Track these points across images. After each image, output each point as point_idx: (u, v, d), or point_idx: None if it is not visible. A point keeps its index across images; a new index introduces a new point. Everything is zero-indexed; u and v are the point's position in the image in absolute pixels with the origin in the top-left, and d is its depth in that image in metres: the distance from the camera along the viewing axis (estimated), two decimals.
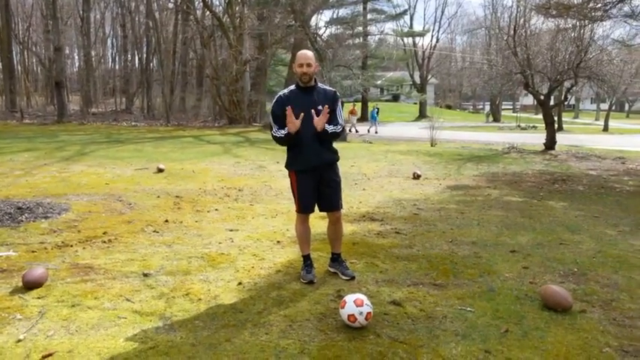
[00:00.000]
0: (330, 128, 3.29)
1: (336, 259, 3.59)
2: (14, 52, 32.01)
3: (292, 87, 3.40)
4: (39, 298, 3.05)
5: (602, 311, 3.00)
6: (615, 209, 6.09)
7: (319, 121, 3.21)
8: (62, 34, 24.71)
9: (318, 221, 4.54)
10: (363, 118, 31.22)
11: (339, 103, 3.45)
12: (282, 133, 3.28)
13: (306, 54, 3.32)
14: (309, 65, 3.25)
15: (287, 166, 3.44)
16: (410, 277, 3.54)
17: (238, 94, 22.81)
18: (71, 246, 4.10)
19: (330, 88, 3.48)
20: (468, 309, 2.99)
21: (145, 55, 33.19)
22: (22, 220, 4.72)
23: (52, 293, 3.12)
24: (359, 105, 32.56)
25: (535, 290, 3.27)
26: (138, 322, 2.76)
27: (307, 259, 3.50)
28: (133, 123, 23.67)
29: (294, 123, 3.17)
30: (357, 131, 22.54)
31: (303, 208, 3.43)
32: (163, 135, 17.22)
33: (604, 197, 6.97)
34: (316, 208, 3.51)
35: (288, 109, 3.17)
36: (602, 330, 2.75)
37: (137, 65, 36.21)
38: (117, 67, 43.52)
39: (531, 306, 3.05)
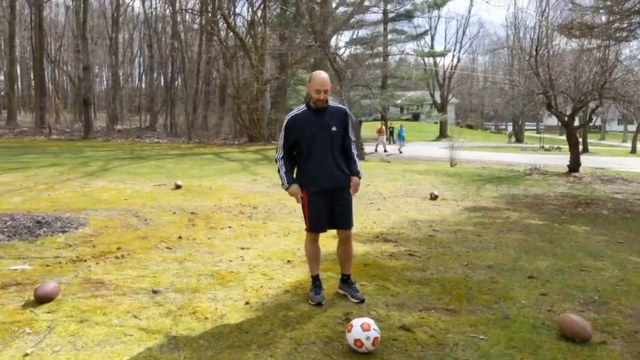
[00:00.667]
0: (357, 166, 3.41)
1: (345, 280, 3.52)
2: (46, 71, 33.33)
3: (303, 107, 3.36)
4: (49, 312, 3.08)
5: (625, 343, 2.85)
6: None
7: (355, 190, 3.39)
8: (92, 53, 25.71)
9: (330, 241, 4.48)
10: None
11: (350, 121, 3.45)
12: (283, 172, 3.34)
13: (324, 79, 3.24)
14: (326, 92, 3.23)
15: (301, 184, 3.37)
16: (422, 301, 3.44)
17: (259, 112, 23.13)
18: (85, 261, 4.15)
19: (341, 106, 3.45)
20: (481, 337, 2.88)
21: (169, 75, 34.12)
22: (39, 234, 4.82)
23: (62, 308, 3.15)
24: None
25: (553, 319, 3.13)
26: (143, 340, 2.75)
27: (316, 280, 3.44)
28: (156, 140, 24.19)
29: (297, 198, 3.34)
30: (385, 150, 22.26)
31: (314, 228, 3.38)
32: (185, 152, 17.52)
33: (629, 222, 6.71)
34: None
35: (295, 193, 3.32)
36: None
37: (162, 84, 37.23)
38: (143, 85, 44.84)
39: (548, 335, 2.92)
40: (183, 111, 29.05)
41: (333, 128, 3.29)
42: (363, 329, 2.61)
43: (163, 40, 35.17)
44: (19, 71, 39.10)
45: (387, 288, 3.68)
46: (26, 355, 2.56)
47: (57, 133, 25.58)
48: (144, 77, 45.65)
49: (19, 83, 39.38)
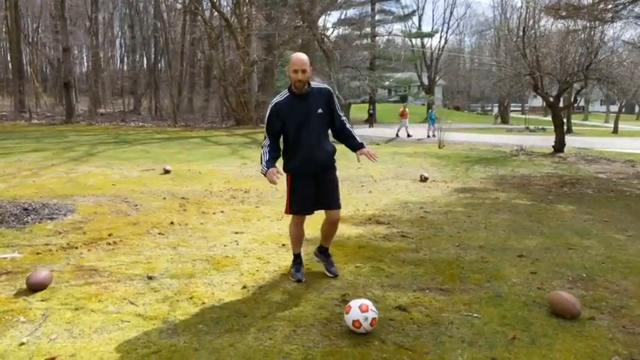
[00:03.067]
0: (357, 139, 3.37)
1: (324, 251, 3.63)
2: (23, 53, 32.29)
3: (286, 93, 3.25)
4: (43, 300, 3.05)
5: (612, 318, 2.94)
6: (625, 213, 6.00)
7: (373, 156, 3.29)
8: (71, 34, 24.90)
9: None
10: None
11: (336, 99, 3.38)
12: (265, 159, 3.24)
13: (301, 59, 3.12)
14: (304, 71, 3.11)
15: (284, 168, 3.38)
16: (416, 281, 3.50)
17: (246, 95, 22.86)
18: (76, 248, 4.10)
19: (324, 86, 3.36)
20: (475, 315, 2.94)
21: (153, 56, 33.38)
22: (27, 222, 4.74)
23: (56, 296, 3.12)
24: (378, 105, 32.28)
25: (543, 296, 3.21)
26: (141, 326, 2.75)
27: (297, 258, 3.54)
28: (141, 123, 23.81)
29: (273, 181, 3.19)
30: (409, 135, 20.05)
31: (295, 210, 3.38)
32: (171, 136, 17.30)
33: (613, 201, 6.87)
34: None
35: (271, 175, 3.17)
36: (610, 338, 2.69)
37: (145, 66, 36.42)
38: (125, 67, 43.83)
39: (539, 312, 2.99)
40: (167, 94, 28.60)
41: (319, 110, 3.22)
42: (361, 310, 2.65)
43: (145, 20, 34.28)
44: None
45: (381, 269, 3.73)
46: (22, 344, 2.54)
47: (38, 117, 24.99)
48: (126, 59, 44.65)
49: None
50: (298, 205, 3.36)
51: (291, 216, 3.50)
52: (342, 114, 3.42)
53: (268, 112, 3.25)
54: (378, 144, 16.70)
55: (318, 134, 3.26)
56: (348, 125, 3.41)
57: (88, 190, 6.72)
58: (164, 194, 6.60)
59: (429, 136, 19.88)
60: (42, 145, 12.70)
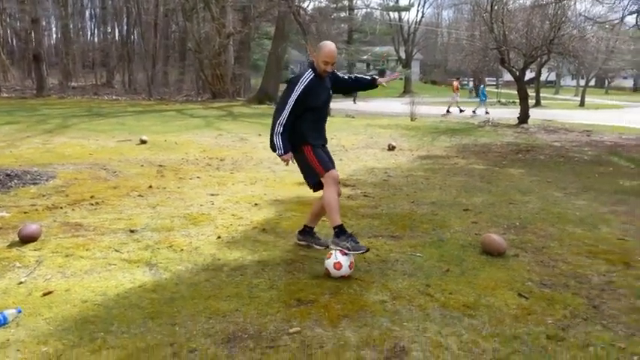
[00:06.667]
0: (366, 76, 3.83)
1: (309, 231, 3.64)
2: None
3: (312, 75, 3.35)
4: (35, 250, 3.39)
5: (532, 255, 3.47)
6: (568, 175, 6.60)
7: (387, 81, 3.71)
8: (38, 4, 24.08)
9: (296, 187, 4.90)
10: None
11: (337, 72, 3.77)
12: (281, 139, 3.27)
13: (335, 52, 3.41)
14: (333, 64, 3.44)
15: (302, 142, 3.36)
16: (372, 230, 3.97)
17: (222, 67, 22.76)
18: (61, 208, 4.41)
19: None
20: (418, 255, 3.43)
21: (125, 28, 32.52)
22: (11, 186, 4.99)
23: (46, 246, 3.46)
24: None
25: (478, 240, 3.72)
26: (126, 268, 3.13)
27: (344, 227, 3.28)
28: (115, 97, 23.50)
29: (287, 161, 3.38)
30: (461, 110, 19.90)
31: (329, 166, 3.32)
32: (145, 109, 17.26)
33: (561, 165, 7.49)
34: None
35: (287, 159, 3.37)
36: (528, 269, 3.22)
37: (117, 38, 35.51)
38: (96, 40, 42.57)
39: (472, 252, 3.51)
40: (141, 67, 28.10)
41: (330, 91, 3.60)
42: (342, 254, 3.04)
43: None
44: None
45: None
46: (20, 283, 2.89)
47: (7, 91, 24.34)
48: (96, 31, 43.32)
49: None
50: (326, 162, 3.37)
51: (326, 182, 3.30)
52: (346, 75, 3.88)
53: (302, 87, 3.29)
54: (352, 117, 17.07)
55: (327, 112, 3.66)
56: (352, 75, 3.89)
57: (66, 159, 6.93)
58: (141, 162, 6.88)
59: (474, 112, 19.49)
60: (14, 118, 12.62)
